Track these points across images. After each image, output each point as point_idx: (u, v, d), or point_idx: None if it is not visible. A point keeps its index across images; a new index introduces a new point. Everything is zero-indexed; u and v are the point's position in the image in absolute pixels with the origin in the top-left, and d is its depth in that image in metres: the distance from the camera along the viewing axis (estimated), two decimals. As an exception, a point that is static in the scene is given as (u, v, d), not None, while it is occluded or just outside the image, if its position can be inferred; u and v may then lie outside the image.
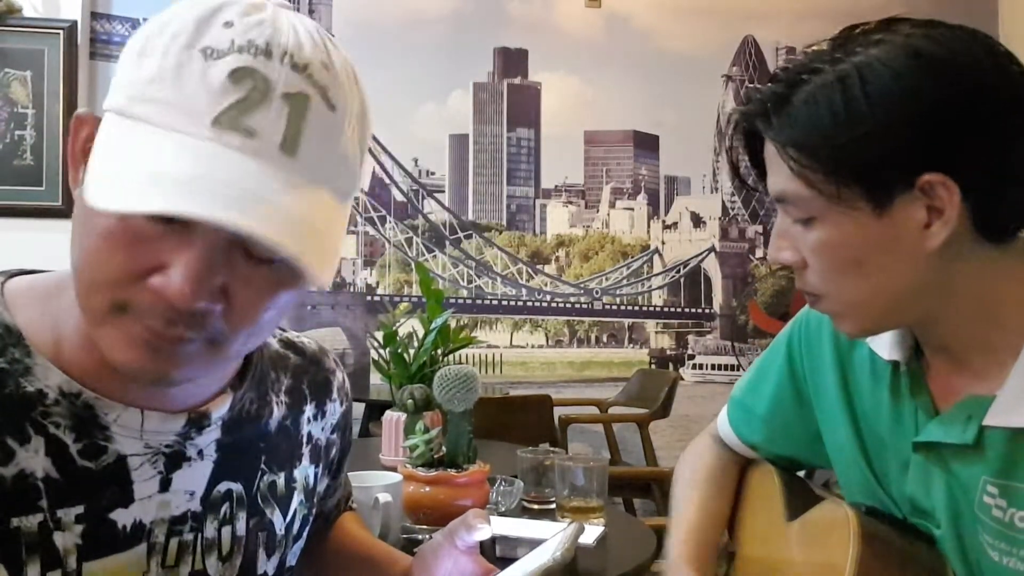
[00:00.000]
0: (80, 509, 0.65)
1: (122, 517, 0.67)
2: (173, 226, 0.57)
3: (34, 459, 0.63)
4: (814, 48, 0.82)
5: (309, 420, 0.85)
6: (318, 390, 0.87)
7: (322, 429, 0.87)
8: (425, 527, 1.37)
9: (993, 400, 0.77)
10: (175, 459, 0.70)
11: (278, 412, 0.81)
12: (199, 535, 0.72)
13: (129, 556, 0.67)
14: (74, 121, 0.65)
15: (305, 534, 0.86)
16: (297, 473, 0.83)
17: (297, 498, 0.82)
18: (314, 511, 0.88)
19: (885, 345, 0.89)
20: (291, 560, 0.84)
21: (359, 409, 3.30)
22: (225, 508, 0.74)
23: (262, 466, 0.78)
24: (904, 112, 0.74)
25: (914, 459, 0.85)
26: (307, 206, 0.58)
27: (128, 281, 0.58)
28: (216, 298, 0.59)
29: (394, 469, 1.51)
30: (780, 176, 0.81)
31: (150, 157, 0.55)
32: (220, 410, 0.74)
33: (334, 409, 0.89)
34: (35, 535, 0.62)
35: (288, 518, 0.81)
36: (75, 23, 3.31)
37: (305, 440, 0.85)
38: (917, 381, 0.86)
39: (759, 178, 0.87)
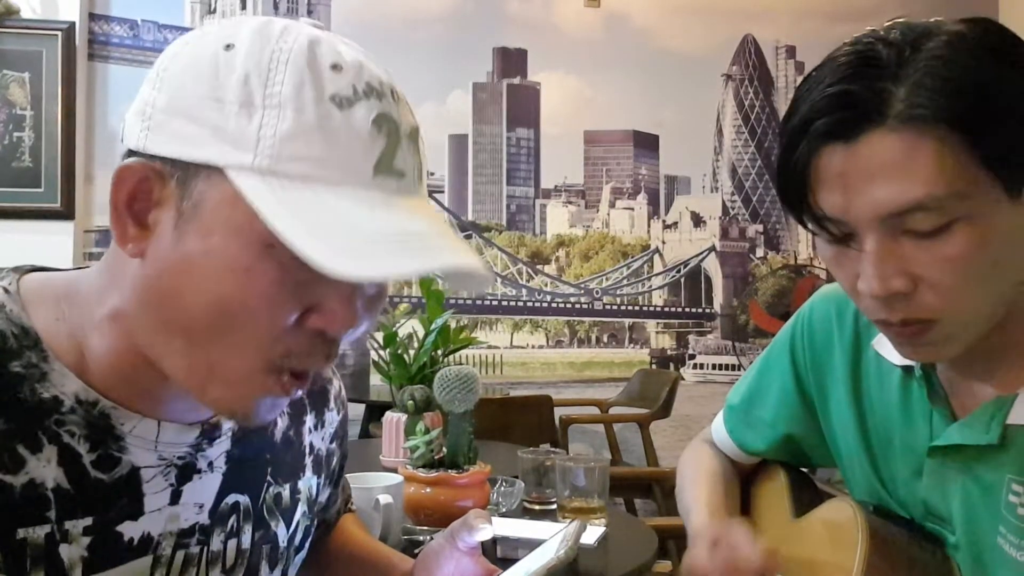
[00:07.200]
0: (88, 521, 0.63)
1: (130, 530, 0.65)
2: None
3: (46, 469, 0.61)
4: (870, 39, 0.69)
5: (310, 430, 0.84)
6: (317, 400, 0.86)
7: (322, 439, 0.86)
8: (426, 528, 1.37)
9: (1015, 398, 0.76)
10: (186, 471, 0.69)
11: (281, 423, 0.80)
12: (205, 548, 0.71)
13: (133, 568, 0.66)
14: (119, 174, 0.60)
15: (307, 546, 0.86)
16: (301, 484, 0.82)
17: (300, 510, 0.82)
18: (316, 521, 0.87)
19: (893, 349, 0.85)
20: (291, 572, 0.83)
21: (359, 410, 3.30)
22: (232, 520, 0.73)
23: (268, 478, 0.78)
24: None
25: (929, 464, 0.83)
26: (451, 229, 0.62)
27: (288, 329, 0.59)
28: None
29: (395, 470, 1.50)
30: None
31: (339, 213, 0.56)
32: (230, 421, 0.72)
33: (332, 419, 0.88)
34: (41, 547, 0.60)
35: (291, 530, 0.80)
36: (73, 24, 3.30)
37: (308, 451, 0.84)
38: (933, 385, 0.84)
39: (811, 198, 0.71)
